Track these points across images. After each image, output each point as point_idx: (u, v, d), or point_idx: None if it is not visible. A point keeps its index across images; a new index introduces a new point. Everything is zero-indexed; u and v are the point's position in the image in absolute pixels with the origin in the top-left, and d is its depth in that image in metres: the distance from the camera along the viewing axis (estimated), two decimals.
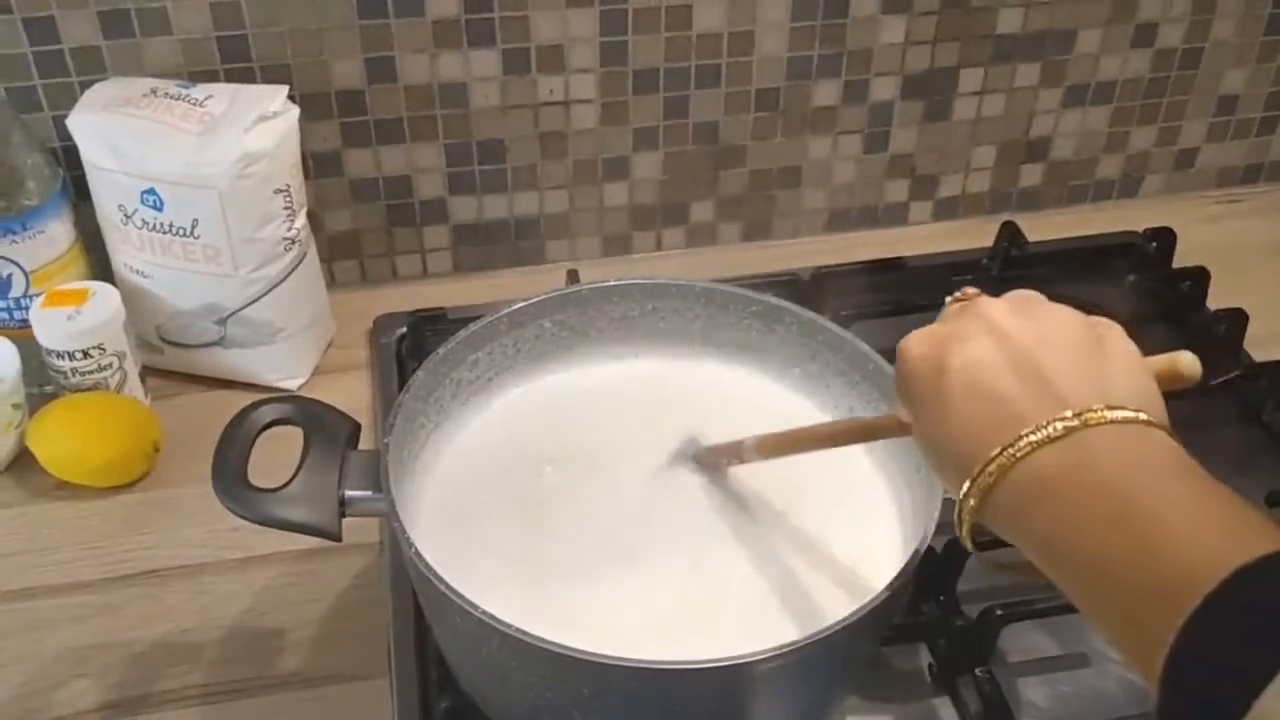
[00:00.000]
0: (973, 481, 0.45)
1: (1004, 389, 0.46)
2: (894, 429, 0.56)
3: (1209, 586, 0.37)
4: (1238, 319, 0.88)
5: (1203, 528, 0.40)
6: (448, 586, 0.53)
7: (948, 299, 0.53)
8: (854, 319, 0.86)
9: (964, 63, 0.97)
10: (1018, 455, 0.44)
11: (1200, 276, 0.92)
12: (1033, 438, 0.44)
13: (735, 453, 0.66)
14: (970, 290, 0.53)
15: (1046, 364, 0.46)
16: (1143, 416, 0.44)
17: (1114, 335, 0.49)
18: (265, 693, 0.69)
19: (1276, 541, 0.39)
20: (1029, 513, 0.44)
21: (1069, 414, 0.44)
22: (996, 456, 0.45)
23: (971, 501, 0.46)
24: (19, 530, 0.78)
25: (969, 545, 0.48)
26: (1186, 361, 0.49)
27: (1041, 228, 0.97)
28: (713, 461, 0.67)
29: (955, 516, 0.47)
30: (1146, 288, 0.96)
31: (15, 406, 0.80)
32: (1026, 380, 0.46)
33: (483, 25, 0.88)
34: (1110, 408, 0.44)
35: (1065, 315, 0.49)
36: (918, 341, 0.50)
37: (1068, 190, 1.06)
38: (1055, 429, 0.44)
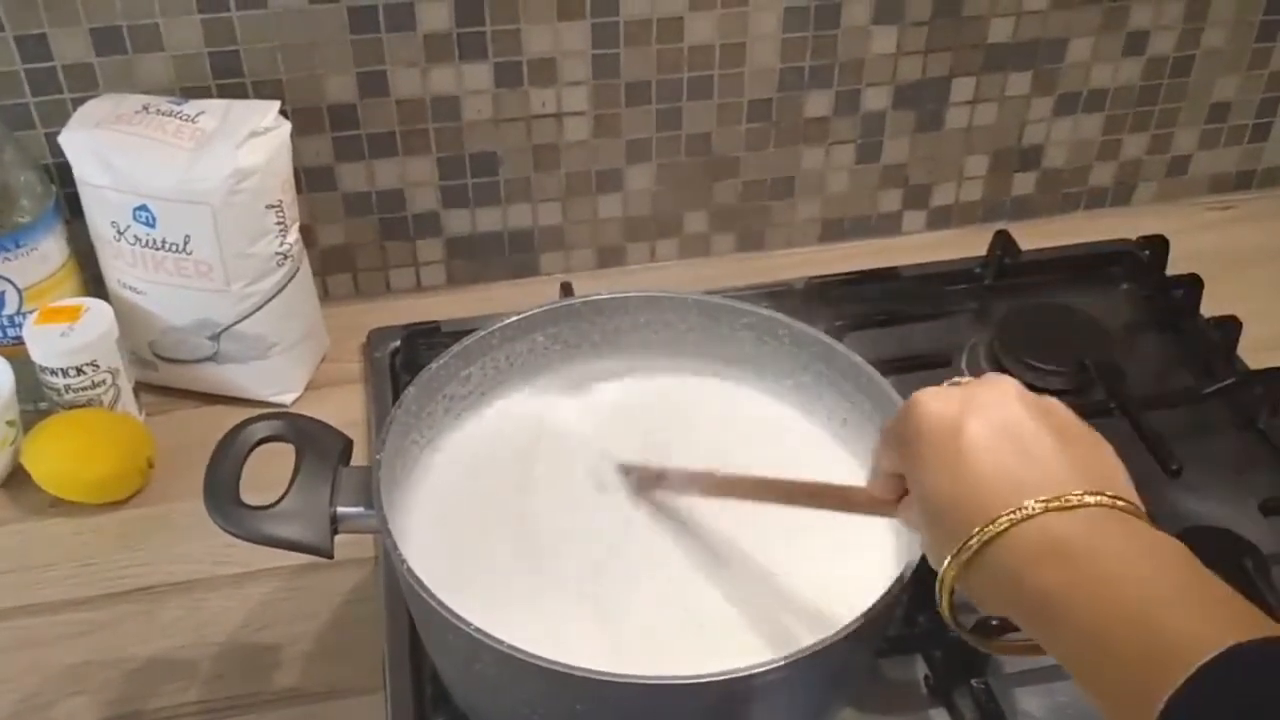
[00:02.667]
0: (975, 536, 0.46)
1: (1014, 462, 0.47)
2: (862, 504, 0.57)
3: (1202, 659, 0.38)
4: (1231, 326, 0.89)
5: (1199, 606, 0.42)
6: (439, 602, 0.53)
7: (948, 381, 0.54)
8: (848, 329, 0.86)
9: (956, 72, 0.97)
10: (1031, 513, 0.46)
11: (1193, 284, 0.92)
12: (1044, 500, 0.46)
13: (693, 483, 0.65)
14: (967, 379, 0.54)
15: (1055, 449, 0.48)
16: (1143, 511, 0.47)
17: (1101, 441, 0.51)
18: (261, 709, 0.69)
19: (1267, 630, 0.40)
20: (1026, 573, 0.45)
21: (1080, 491, 0.46)
22: (1009, 513, 0.46)
23: (965, 556, 0.47)
24: (14, 547, 0.78)
25: (947, 612, 0.50)
26: None
27: (1035, 236, 0.97)
28: (645, 486, 0.66)
29: (940, 578, 0.49)
30: (1140, 296, 0.96)
31: (9, 423, 0.80)
32: (1037, 460, 0.48)
33: (474, 39, 0.88)
34: (1109, 494, 0.46)
35: (1068, 412, 0.51)
36: (934, 398, 0.51)
37: (1061, 198, 1.06)
38: (1068, 499, 0.46)
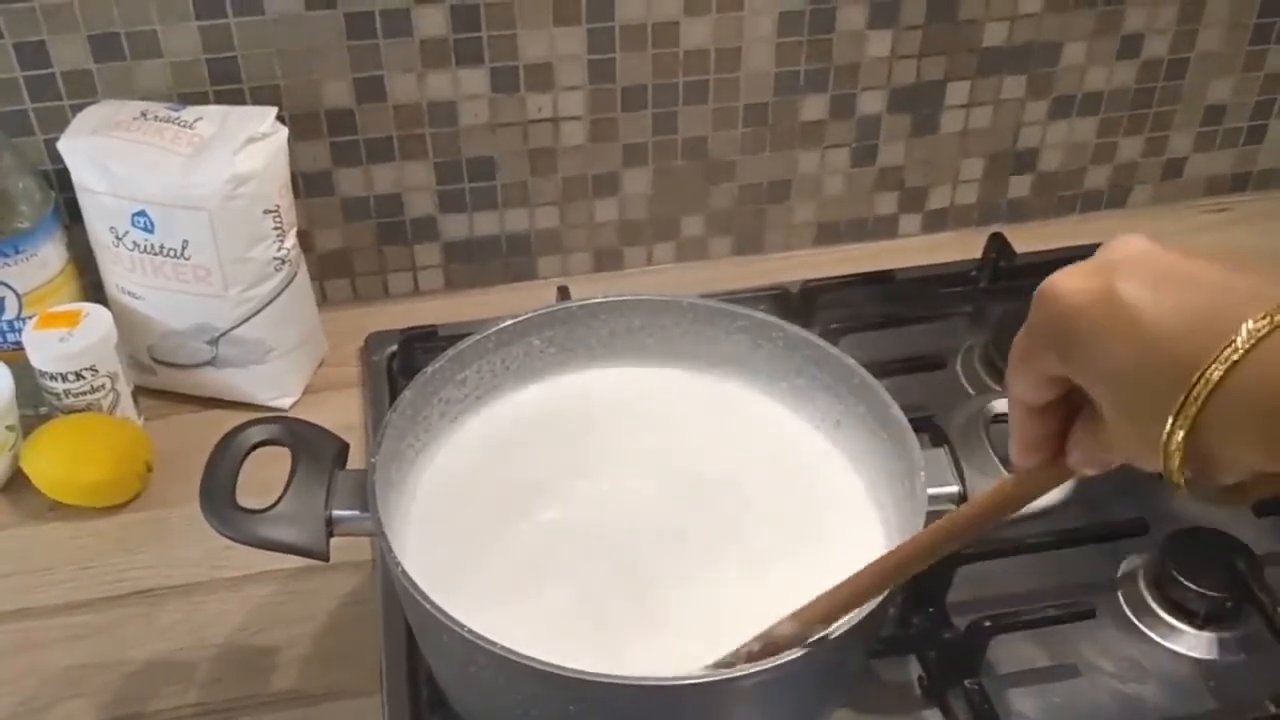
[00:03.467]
0: (1202, 373, 0.39)
1: (1192, 297, 0.40)
2: (1003, 500, 0.50)
3: None
4: None
5: None
6: (433, 605, 0.54)
7: None
8: (843, 332, 0.87)
9: (950, 76, 0.97)
10: (1260, 333, 0.38)
11: None
12: (1256, 318, 0.38)
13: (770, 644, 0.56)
14: None
15: (1219, 271, 0.41)
16: None
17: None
18: (259, 711, 0.69)
19: None
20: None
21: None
22: (1230, 344, 0.38)
23: (1203, 392, 0.39)
24: (13, 551, 0.78)
25: (1179, 478, 0.41)
26: None
27: (1031, 239, 0.97)
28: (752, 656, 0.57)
29: (1166, 447, 0.41)
30: None
31: (9, 428, 0.81)
32: (1219, 278, 0.41)
33: (471, 44, 0.88)
34: None
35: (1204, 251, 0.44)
36: (1073, 276, 0.43)
37: (1056, 201, 1.06)
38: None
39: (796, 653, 0.53)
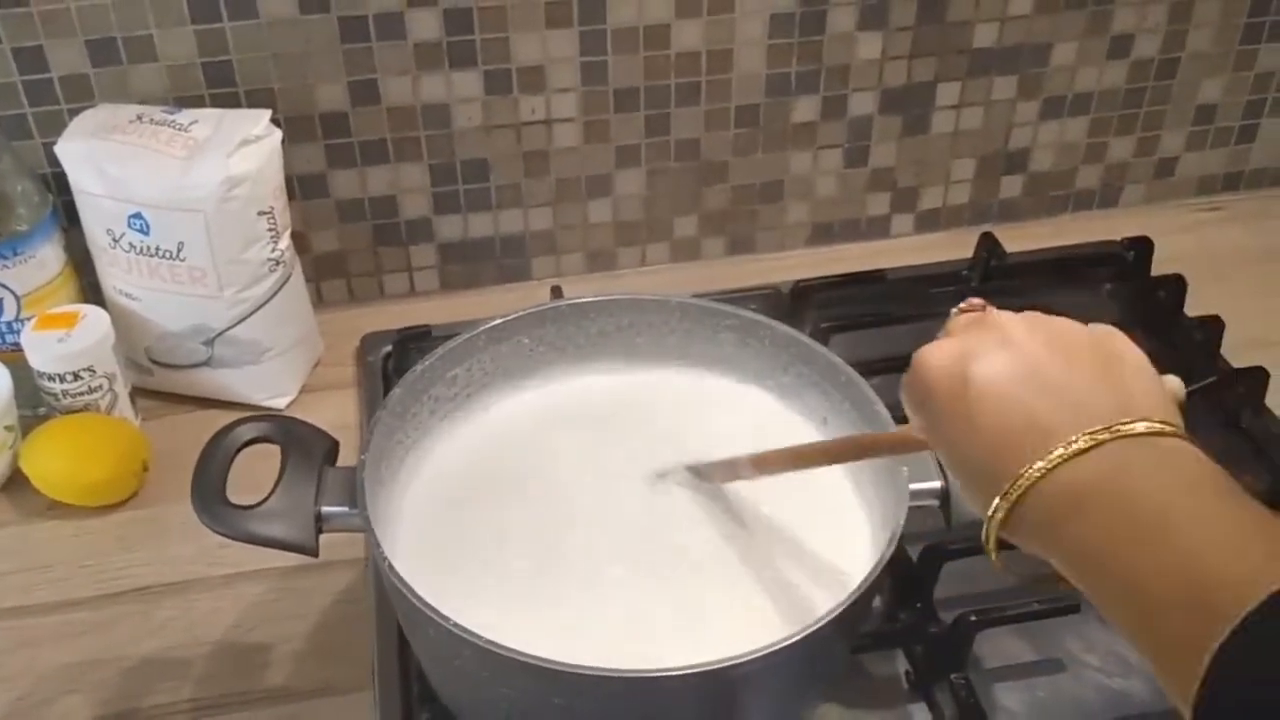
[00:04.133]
0: (1002, 496, 0.44)
1: (1030, 402, 0.45)
2: (907, 444, 0.56)
3: (1248, 606, 0.36)
4: (1215, 326, 0.89)
5: (1242, 545, 0.39)
6: (419, 599, 0.54)
7: (953, 310, 0.52)
8: (835, 331, 0.87)
9: (941, 77, 0.98)
10: (1049, 467, 0.43)
11: (1177, 284, 0.93)
12: (1063, 450, 0.43)
13: (731, 470, 0.66)
14: (975, 301, 0.52)
15: (1069, 376, 0.45)
16: (1169, 429, 0.44)
17: (1121, 342, 0.48)
18: (252, 707, 0.70)
19: None
20: (1062, 526, 0.43)
21: (1098, 426, 0.43)
22: (1027, 470, 0.44)
23: (999, 515, 0.45)
24: (12, 549, 0.79)
25: (996, 563, 0.47)
26: (1175, 386, 0.48)
27: (1023, 238, 0.98)
28: (708, 476, 0.68)
29: (984, 533, 0.46)
30: (1125, 296, 0.96)
31: (8, 428, 0.82)
32: (1051, 393, 0.45)
33: (464, 47, 0.89)
34: (1137, 419, 0.43)
35: (1075, 327, 0.48)
36: (936, 354, 0.49)
37: (1048, 201, 1.07)
38: (1085, 441, 0.43)
39: (779, 644, 0.54)
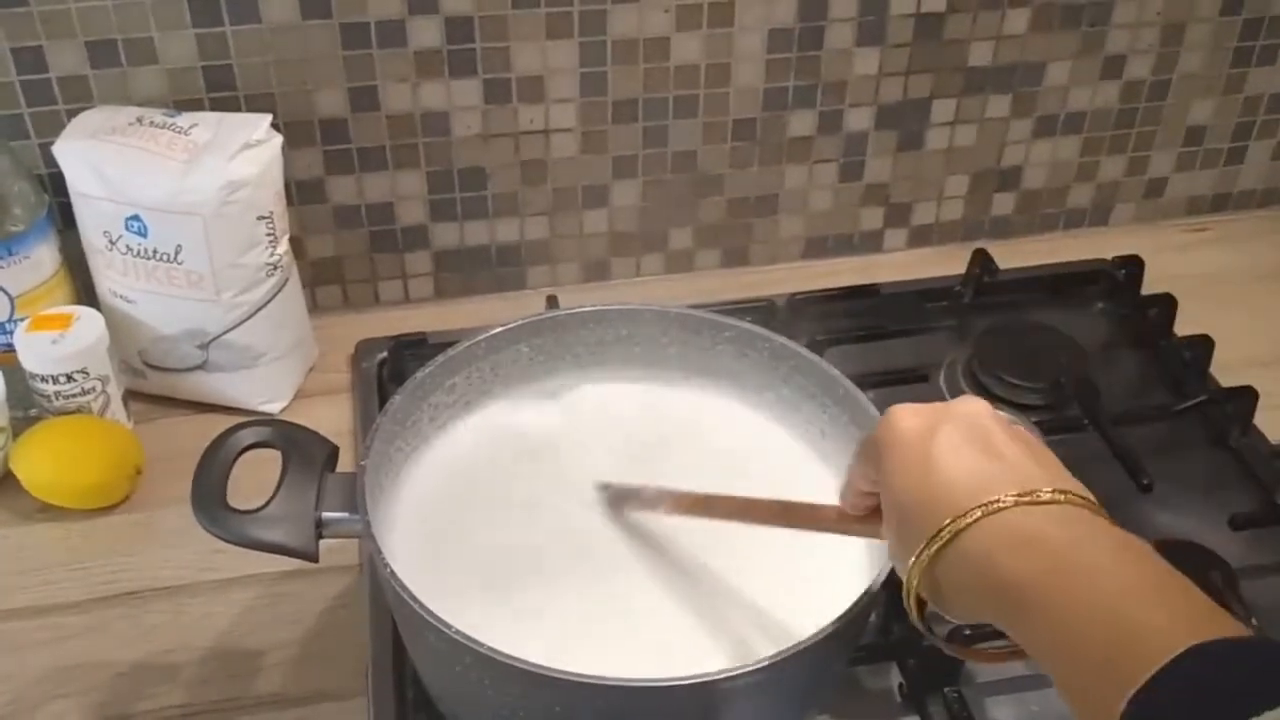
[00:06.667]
0: (954, 520, 0.47)
1: (994, 456, 0.49)
2: (833, 521, 0.58)
3: (1166, 657, 0.39)
4: (1204, 345, 0.90)
5: (1170, 604, 0.42)
6: (421, 605, 0.54)
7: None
8: (829, 344, 0.88)
9: (936, 94, 0.99)
10: (1003, 505, 0.47)
11: (1167, 303, 0.94)
12: (1015, 494, 0.47)
13: (648, 501, 0.66)
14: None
15: (1031, 451, 0.50)
16: (1104, 513, 0.48)
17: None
18: (244, 713, 0.70)
19: (1230, 629, 0.40)
20: (1004, 557, 0.46)
21: (1049, 489, 0.47)
22: (981, 505, 0.47)
23: (936, 547, 0.48)
24: (2, 552, 0.79)
25: (915, 613, 0.51)
26: None
27: (1014, 255, 0.99)
28: (619, 503, 0.68)
29: (906, 579, 0.50)
30: (1115, 314, 0.97)
31: None
32: (1014, 456, 0.49)
33: (464, 56, 0.89)
34: (1073, 493, 0.48)
35: (1034, 433, 0.53)
36: (909, 413, 0.52)
37: (1040, 218, 1.08)
38: (1039, 495, 0.47)
39: (777, 657, 0.54)
